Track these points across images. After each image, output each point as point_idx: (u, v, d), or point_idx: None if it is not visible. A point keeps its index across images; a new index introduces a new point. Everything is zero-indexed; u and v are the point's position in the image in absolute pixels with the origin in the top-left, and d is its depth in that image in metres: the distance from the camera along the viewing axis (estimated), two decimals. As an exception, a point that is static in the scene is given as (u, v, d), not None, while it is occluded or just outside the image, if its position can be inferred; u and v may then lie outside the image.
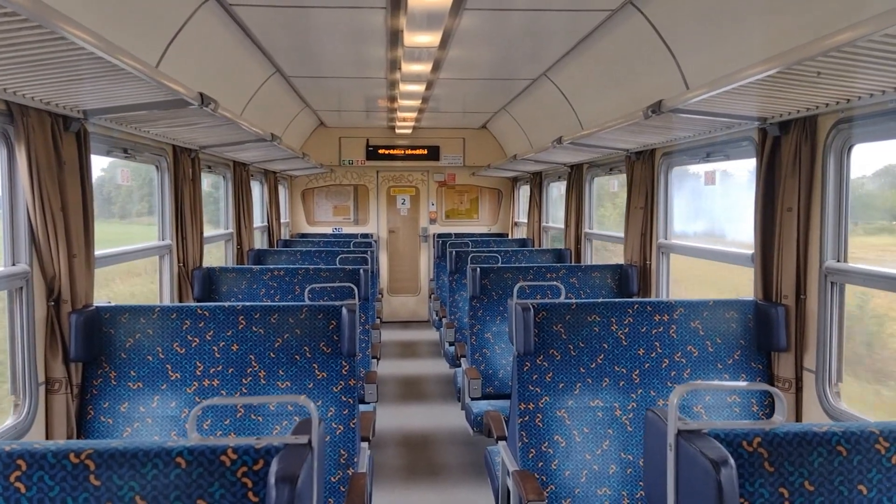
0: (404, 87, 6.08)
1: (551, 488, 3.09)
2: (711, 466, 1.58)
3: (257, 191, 7.99)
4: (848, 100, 2.78)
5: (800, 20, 2.61)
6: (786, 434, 1.78)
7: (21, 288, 2.97)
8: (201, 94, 3.16)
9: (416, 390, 7.29)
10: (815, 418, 3.19)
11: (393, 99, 7.04)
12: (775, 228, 3.33)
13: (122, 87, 2.78)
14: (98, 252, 3.47)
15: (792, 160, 3.21)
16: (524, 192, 9.91)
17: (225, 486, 1.60)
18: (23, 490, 1.58)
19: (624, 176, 5.41)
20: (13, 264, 2.98)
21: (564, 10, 3.87)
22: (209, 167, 5.81)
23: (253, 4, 3.76)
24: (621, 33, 4.00)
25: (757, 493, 1.74)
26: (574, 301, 3.34)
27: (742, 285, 3.87)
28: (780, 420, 1.80)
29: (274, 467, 1.55)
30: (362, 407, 3.99)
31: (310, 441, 1.63)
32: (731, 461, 1.60)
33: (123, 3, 2.91)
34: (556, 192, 8.55)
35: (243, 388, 3.12)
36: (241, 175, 6.51)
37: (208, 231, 5.54)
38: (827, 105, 2.92)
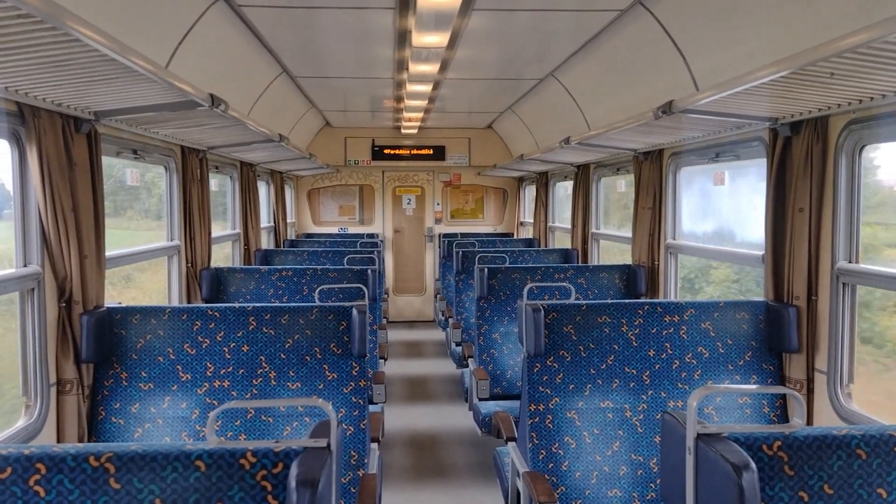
0: (411, 88, 6.07)
1: (562, 489, 3.09)
2: (733, 471, 1.58)
3: (263, 191, 8.00)
4: (860, 100, 2.77)
5: (809, 21, 2.60)
6: (805, 437, 1.77)
7: (33, 289, 2.97)
8: (212, 96, 3.16)
9: (423, 390, 7.29)
10: (826, 420, 3.18)
11: (399, 99, 7.03)
12: (786, 229, 3.32)
13: (133, 89, 2.78)
14: (109, 253, 3.47)
15: (803, 161, 3.20)
16: (530, 191, 9.90)
17: (244, 490, 1.60)
18: (42, 494, 1.58)
19: (631, 176, 5.40)
20: (25, 265, 2.98)
21: (572, 10, 3.87)
22: (216, 167, 5.82)
23: (261, 5, 3.76)
24: (630, 33, 3.99)
25: (777, 497, 1.73)
26: (584, 302, 3.33)
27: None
28: (799, 423, 1.80)
29: (294, 471, 1.55)
30: (371, 407, 3.99)
31: (328, 444, 1.63)
32: (753, 465, 1.59)
33: (133, 4, 2.91)
34: (563, 191, 8.54)
35: (254, 390, 3.12)
36: (247, 175, 6.52)
37: (215, 231, 5.55)
38: (839, 106, 2.91)
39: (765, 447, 1.76)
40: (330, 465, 1.60)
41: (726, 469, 1.59)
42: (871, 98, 2.71)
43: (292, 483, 1.52)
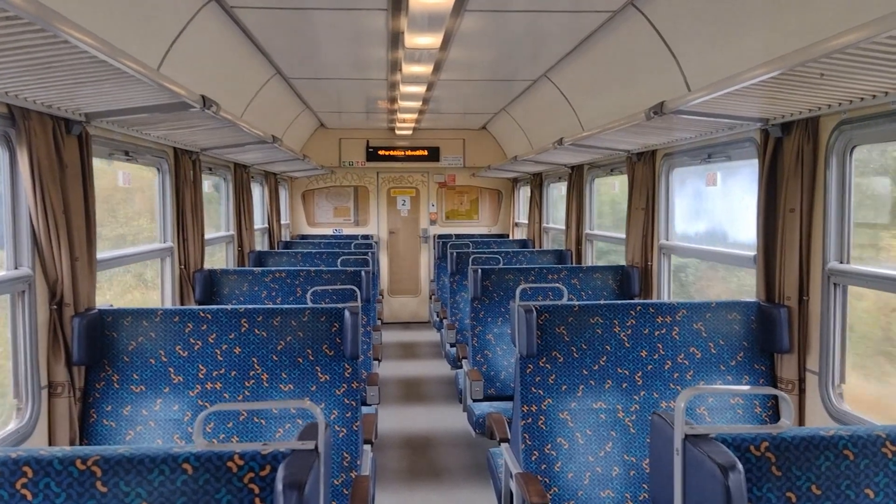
0: (405, 89, 6.08)
1: (554, 490, 3.09)
2: (719, 471, 1.58)
3: (258, 192, 7.99)
4: (850, 101, 2.78)
5: (801, 22, 2.61)
6: (793, 438, 1.78)
7: (24, 291, 2.96)
8: (203, 97, 3.15)
9: (418, 392, 7.29)
10: (818, 420, 3.19)
11: (393, 100, 7.03)
12: (778, 229, 3.33)
13: (124, 90, 2.77)
14: (100, 255, 3.46)
15: (794, 161, 3.21)
16: (524, 192, 9.91)
17: (232, 493, 1.60)
18: (29, 497, 1.57)
19: (625, 177, 5.41)
20: (16, 268, 2.97)
21: (565, 11, 3.87)
22: (210, 169, 5.81)
23: (253, 7, 3.76)
24: (622, 34, 3.99)
25: (764, 498, 1.73)
26: (576, 303, 3.33)
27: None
28: (787, 424, 1.80)
29: (281, 473, 1.55)
30: (364, 409, 3.98)
31: (316, 447, 1.63)
32: (740, 466, 1.59)
33: (124, 5, 2.91)
34: (557, 192, 8.55)
35: (246, 391, 3.12)
36: (241, 177, 6.51)
37: (209, 233, 5.54)
38: (829, 106, 2.92)
39: (752, 448, 1.76)
40: (318, 467, 1.60)
41: (713, 469, 1.60)
42: (861, 98, 2.71)
43: (279, 486, 1.51)
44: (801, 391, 3.27)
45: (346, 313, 3.17)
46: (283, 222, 9.20)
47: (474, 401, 4.75)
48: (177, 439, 3.05)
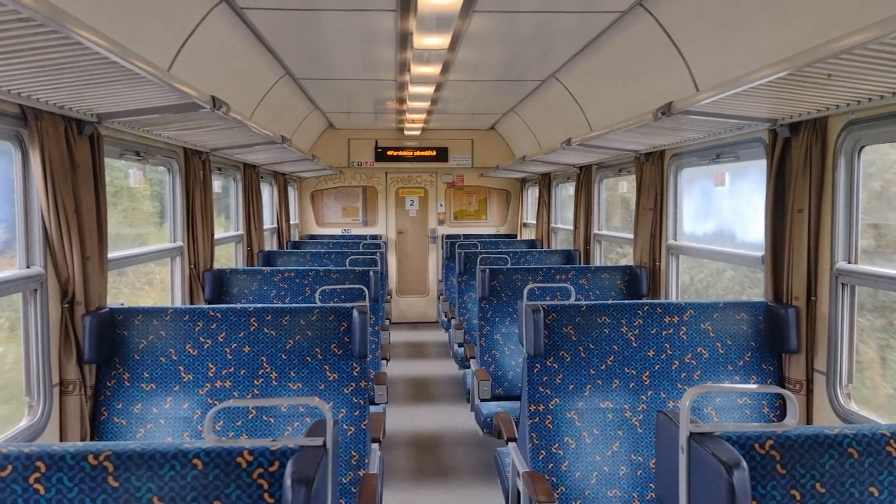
0: (413, 89, 6.09)
1: (561, 490, 3.10)
2: (724, 469, 1.59)
3: (267, 192, 8.02)
4: (858, 101, 2.78)
5: (809, 22, 2.61)
6: (798, 436, 1.78)
7: (35, 290, 2.99)
8: (213, 98, 3.18)
9: (425, 391, 7.30)
10: (825, 420, 3.18)
11: (402, 101, 7.05)
12: (786, 230, 3.33)
13: (135, 91, 2.80)
14: (111, 254, 3.49)
15: (802, 161, 3.21)
16: (532, 193, 9.91)
17: (241, 488, 1.62)
18: (42, 491, 1.60)
19: (633, 177, 5.41)
20: (28, 267, 3.00)
21: (574, 11, 3.88)
22: (219, 169, 5.84)
23: (263, 7, 3.79)
24: (631, 35, 4.00)
25: (769, 496, 1.74)
26: (584, 303, 3.34)
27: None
28: (793, 423, 1.81)
29: (289, 469, 1.57)
30: (372, 408, 4.00)
31: (324, 443, 1.65)
32: (744, 463, 1.60)
33: (135, 6, 2.94)
34: (565, 193, 8.55)
35: (255, 390, 3.14)
36: (250, 177, 6.54)
37: (218, 233, 5.57)
38: (837, 107, 2.92)
39: (757, 446, 1.76)
40: (326, 463, 1.62)
41: (717, 467, 1.60)
42: (870, 99, 2.71)
43: (288, 481, 1.53)
44: (809, 391, 3.27)
45: (355, 312, 3.19)
46: (291, 222, 9.24)
47: (482, 400, 4.76)
48: (187, 437, 3.08)
